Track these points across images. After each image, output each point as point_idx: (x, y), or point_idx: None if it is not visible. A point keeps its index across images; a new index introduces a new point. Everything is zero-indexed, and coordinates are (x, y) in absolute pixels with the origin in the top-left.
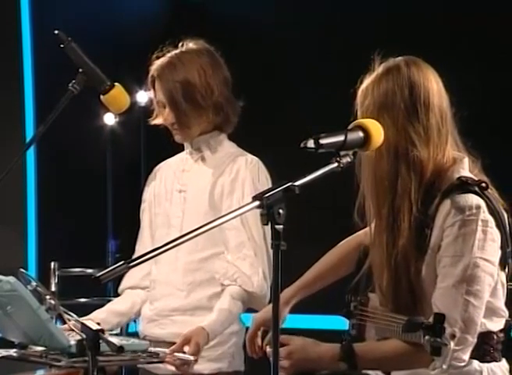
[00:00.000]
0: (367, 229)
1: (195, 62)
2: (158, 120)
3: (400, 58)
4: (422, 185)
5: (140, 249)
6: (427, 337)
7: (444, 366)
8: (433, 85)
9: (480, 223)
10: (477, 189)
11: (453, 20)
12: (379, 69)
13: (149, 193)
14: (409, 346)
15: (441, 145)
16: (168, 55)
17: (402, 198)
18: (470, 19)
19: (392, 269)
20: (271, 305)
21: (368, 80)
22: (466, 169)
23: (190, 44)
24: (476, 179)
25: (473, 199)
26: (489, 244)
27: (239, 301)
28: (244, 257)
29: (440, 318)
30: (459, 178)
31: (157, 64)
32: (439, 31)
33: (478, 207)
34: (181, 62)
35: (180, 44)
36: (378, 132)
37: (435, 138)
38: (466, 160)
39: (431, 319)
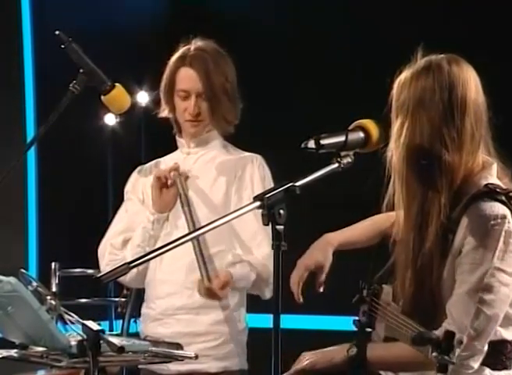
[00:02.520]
0: (393, 218)
1: (223, 57)
2: (165, 113)
3: (442, 55)
4: (452, 190)
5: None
6: (435, 354)
7: (449, 369)
8: (472, 88)
9: (503, 233)
10: (504, 198)
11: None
12: (420, 63)
13: (140, 191)
14: (417, 352)
15: (473, 151)
16: (194, 47)
17: (432, 202)
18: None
19: (417, 270)
20: (312, 251)
21: (407, 73)
22: (494, 175)
23: (203, 42)
24: (504, 187)
25: (499, 208)
26: (510, 256)
27: (254, 273)
28: (259, 244)
29: (450, 335)
30: (487, 185)
31: (184, 54)
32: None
33: (504, 217)
34: (213, 55)
35: (194, 42)
36: (378, 132)
37: (468, 144)
38: (495, 166)
39: (439, 332)
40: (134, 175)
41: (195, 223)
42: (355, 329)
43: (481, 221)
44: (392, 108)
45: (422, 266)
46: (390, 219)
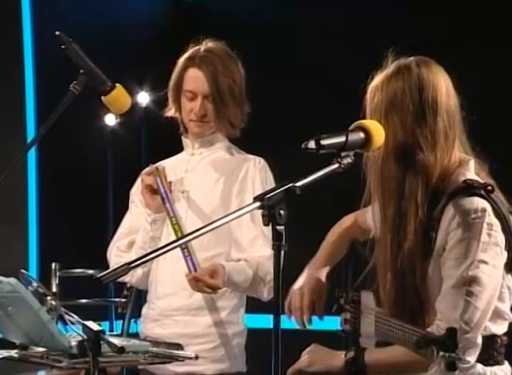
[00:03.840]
0: (355, 220)
1: (232, 60)
2: (171, 112)
3: (411, 58)
4: (429, 189)
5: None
6: (441, 353)
7: (442, 365)
8: (443, 88)
9: (485, 226)
10: (483, 192)
11: (461, 20)
12: (390, 67)
13: None
14: (413, 354)
15: (448, 150)
16: (204, 48)
17: (408, 201)
18: (477, 19)
19: (397, 271)
20: (307, 275)
21: (378, 78)
22: (471, 171)
23: (214, 43)
24: (482, 182)
25: (478, 202)
26: (492, 248)
27: (251, 270)
28: (259, 250)
29: (452, 332)
30: (465, 181)
31: (193, 55)
32: (448, 32)
33: (484, 210)
34: (222, 57)
35: (205, 43)
36: (379, 133)
37: (442, 143)
38: (472, 162)
39: (431, 329)
40: (139, 178)
41: (178, 220)
42: (341, 339)
43: (462, 216)
44: (366, 113)
45: (403, 267)
46: (356, 222)
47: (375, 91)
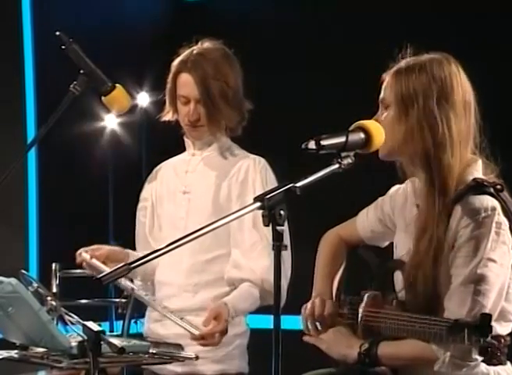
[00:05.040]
0: (346, 228)
1: (227, 60)
2: (168, 116)
3: (439, 54)
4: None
5: (139, 248)
6: (475, 338)
7: (446, 360)
8: (467, 88)
9: (494, 224)
10: (492, 191)
11: (464, 21)
12: (418, 59)
13: (150, 193)
14: (426, 350)
15: (463, 149)
16: (196, 51)
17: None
18: (481, 21)
19: (410, 268)
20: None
21: (401, 67)
22: (479, 171)
23: (210, 43)
24: (491, 181)
25: (488, 201)
26: (500, 247)
27: (256, 289)
28: (258, 256)
29: (486, 318)
30: (474, 179)
31: (185, 58)
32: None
33: (494, 209)
34: (213, 59)
35: (200, 43)
36: (379, 133)
37: (459, 142)
38: (479, 162)
39: (476, 320)
40: (146, 182)
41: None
42: None
43: (471, 215)
44: (384, 99)
45: (416, 264)
46: (343, 235)
47: (396, 79)
